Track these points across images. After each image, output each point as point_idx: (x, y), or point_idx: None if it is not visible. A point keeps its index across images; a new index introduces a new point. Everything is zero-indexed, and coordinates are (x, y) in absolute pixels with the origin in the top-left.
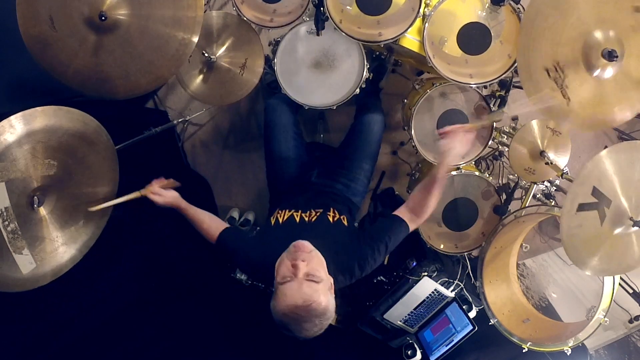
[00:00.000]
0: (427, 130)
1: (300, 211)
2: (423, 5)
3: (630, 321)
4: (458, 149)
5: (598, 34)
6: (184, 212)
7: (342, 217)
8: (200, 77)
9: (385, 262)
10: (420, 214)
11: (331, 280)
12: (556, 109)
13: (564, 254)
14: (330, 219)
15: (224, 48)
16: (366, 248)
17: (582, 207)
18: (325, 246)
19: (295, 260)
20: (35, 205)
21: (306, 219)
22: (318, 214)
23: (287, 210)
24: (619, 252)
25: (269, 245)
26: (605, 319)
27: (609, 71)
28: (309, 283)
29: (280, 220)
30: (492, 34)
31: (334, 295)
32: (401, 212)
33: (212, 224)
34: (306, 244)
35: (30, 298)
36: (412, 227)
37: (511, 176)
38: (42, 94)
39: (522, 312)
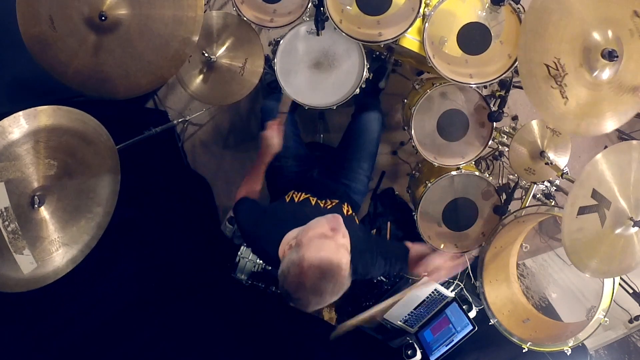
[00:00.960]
0: (427, 130)
1: (316, 197)
2: (423, 5)
3: (630, 321)
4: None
5: (598, 34)
6: (261, 159)
7: (354, 214)
8: (200, 77)
9: None
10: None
11: None
12: None
13: (564, 254)
14: (345, 212)
15: (224, 48)
16: (373, 253)
17: (582, 211)
18: None
19: (338, 227)
20: (35, 206)
21: (321, 205)
22: (334, 203)
23: (303, 193)
24: (618, 252)
25: (280, 219)
26: (605, 319)
27: (606, 72)
28: (344, 250)
29: (296, 200)
30: (492, 34)
31: None
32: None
33: (251, 186)
34: (342, 221)
35: (30, 298)
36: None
37: (511, 176)
38: (42, 94)
39: (522, 312)
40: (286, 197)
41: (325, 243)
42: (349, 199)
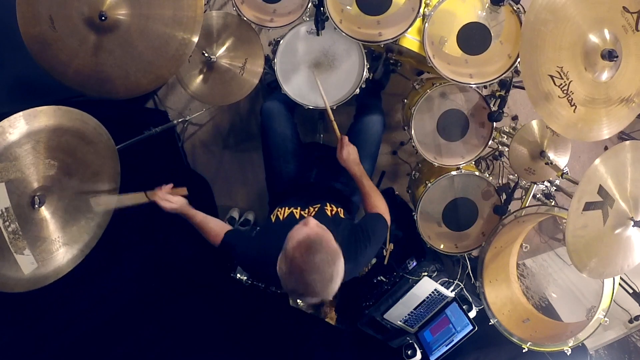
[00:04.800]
0: (427, 130)
1: (299, 208)
2: (423, 5)
3: (630, 321)
4: (351, 153)
5: (596, 36)
6: (191, 218)
7: (339, 210)
8: (200, 77)
9: (385, 262)
10: (380, 210)
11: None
12: None
13: (564, 254)
14: (329, 213)
15: (224, 48)
16: (362, 236)
17: (588, 207)
18: None
19: (305, 221)
20: (36, 206)
21: (305, 215)
22: (316, 209)
23: (286, 208)
24: (616, 253)
25: (270, 241)
26: (605, 319)
27: (607, 73)
28: (314, 225)
29: (281, 217)
30: (492, 34)
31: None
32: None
33: (215, 228)
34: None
35: (31, 298)
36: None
37: (511, 176)
38: (42, 94)
39: (522, 312)
40: (272, 216)
41: (297, 228)
42: (334, 198)
